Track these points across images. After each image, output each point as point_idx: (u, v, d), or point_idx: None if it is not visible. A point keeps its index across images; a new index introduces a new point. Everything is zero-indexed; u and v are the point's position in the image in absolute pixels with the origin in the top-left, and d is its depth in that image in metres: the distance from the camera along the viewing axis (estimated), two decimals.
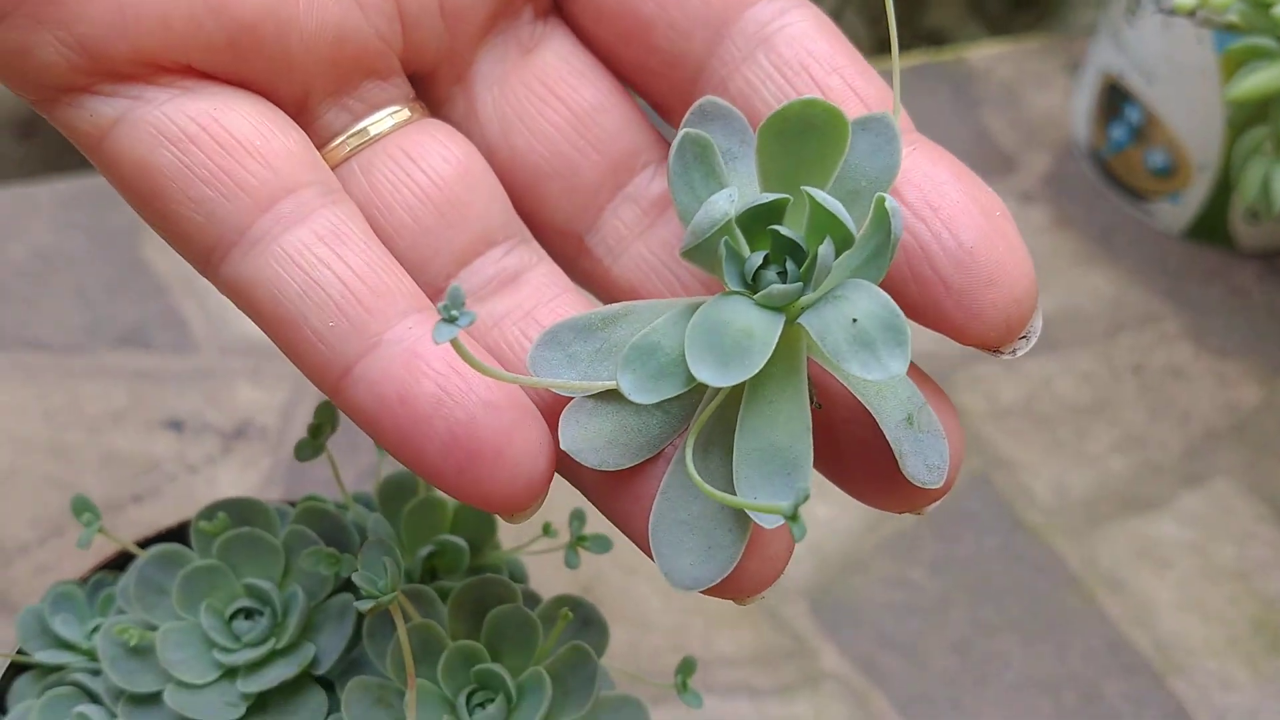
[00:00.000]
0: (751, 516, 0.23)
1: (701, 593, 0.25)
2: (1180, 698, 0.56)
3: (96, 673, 0.34)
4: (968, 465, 0.62)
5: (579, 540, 0.35)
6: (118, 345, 0.62)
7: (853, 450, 0.25)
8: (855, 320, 0.23)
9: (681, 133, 0.25)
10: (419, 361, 0.24)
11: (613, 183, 0.28)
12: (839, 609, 0.57)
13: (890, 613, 0.57)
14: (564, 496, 0.59)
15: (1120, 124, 0.72)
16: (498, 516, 0.32)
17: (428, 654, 0.32)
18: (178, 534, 0.37)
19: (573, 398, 0.25)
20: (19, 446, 0.58)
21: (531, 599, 0.35)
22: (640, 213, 0.28)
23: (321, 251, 0.24)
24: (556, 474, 0.26)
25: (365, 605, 0.29)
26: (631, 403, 0.24)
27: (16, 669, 0.35)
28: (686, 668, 0.34)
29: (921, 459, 0.24)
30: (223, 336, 0.63)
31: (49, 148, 0.81)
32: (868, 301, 0.23)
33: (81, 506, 0.33)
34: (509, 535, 0.39)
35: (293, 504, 0.37)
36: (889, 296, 0.23)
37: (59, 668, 0.34)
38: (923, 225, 0.25)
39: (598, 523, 0.42)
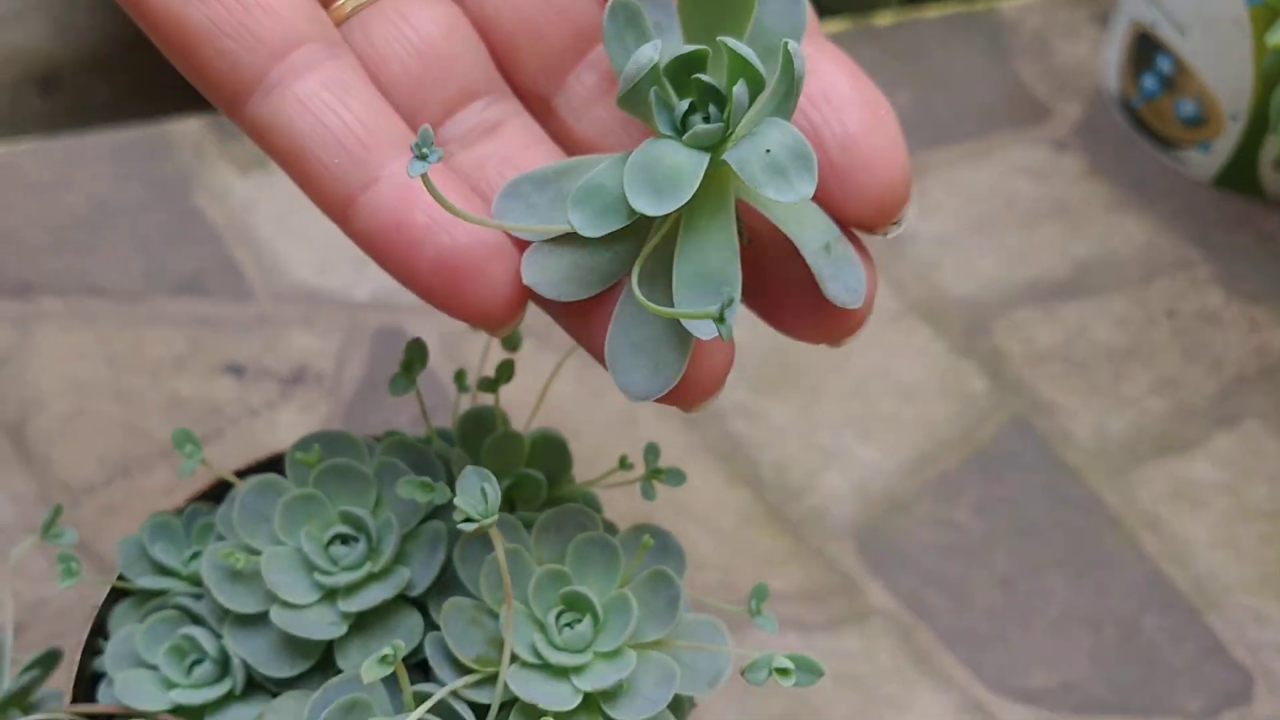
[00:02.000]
0: (689, 328, 0.26)
1: (655, 401, 0.29)
2: (1216, 632, 0.57)
3: (198, 597, 0.35)
4: (1010, 408, 0.63)
5: (654, 473, 0.37)
6: (176, 292, 0.64)
7: (778, 282, 0.30)
8: (769, 151, 0.26)
9: (610, 1, 0.29)
10: (411, 194, 0.28)
11: (576, 50, 0.31)
12: (884, 548, 0.58)
13: (935, 551, 0.59)
14: (641, 431, 0.60)
15: (1151, 74, 0.73)
16: (570, 455, 0.35)
17: (517, 578, 0.33)
18: (268, 466, 0.38)
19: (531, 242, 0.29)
20: (83, 390, 0.60)
21: (609, 528, 0.36)
22: (599, 78, 0.32)
23: (327, 97, 0.28)
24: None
25: (469, 527, 0.30)
26: (583, 244, 0.28)
27: (115, 596, 0.37)
28: (760, 593, 0.36)
29: (841, 282, 0.28)
30: (276, 284, 0.65)
31: (72, 101, 0.82)
32: (779, 135, 0.26)
33: (183, 438, 0.34)
34: (582, 470, 0.40)
35: (376, 439, 0.38)
36: (798, 131, 0.27)
37: (159, 593, 0.36)
38: (817, 112, 0.29)
39: (670, 458, 0.43)
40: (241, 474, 0.37)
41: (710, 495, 0.59)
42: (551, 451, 0.38)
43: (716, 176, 0.28)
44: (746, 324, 0.65)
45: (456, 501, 0.31)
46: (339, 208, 0.29)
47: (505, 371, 0.37)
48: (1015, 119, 0.75)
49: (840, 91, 0.29)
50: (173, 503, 0.56)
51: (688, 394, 0.29)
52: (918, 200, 0.70)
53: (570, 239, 0.28)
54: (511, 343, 0.40)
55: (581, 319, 0.29)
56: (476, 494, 0.31)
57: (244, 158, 0.69)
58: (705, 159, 0.27)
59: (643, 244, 0.28)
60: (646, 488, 0.36)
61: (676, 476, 0.36)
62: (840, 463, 0.60)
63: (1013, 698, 0.55)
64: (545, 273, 0.28)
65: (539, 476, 0.37)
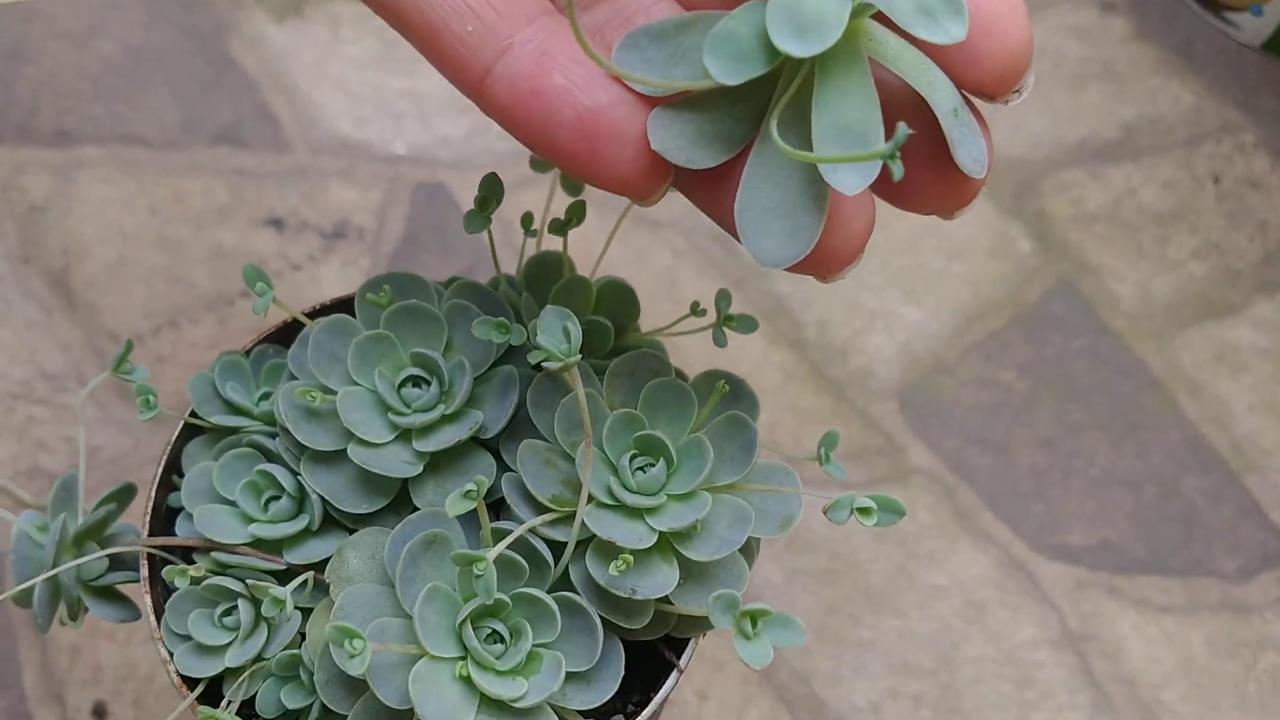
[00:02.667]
0: (833, 183, 0.25)
1: (787, 270, 0.27)
2: (1255, 494, 0.58)
3: (272, 435, 0.35)
4: (1056, 270, 0.63)
5: (726, 320, 0.36)
6: (214, 142, 0.63)
7: (906, 145, 0.27)
8: None
9: None
10: (547, 58, 0.27)
11: None
12: (927, 409, 0.59)
13: (978, 412, 0.59)
14: (683, 290, 0.60)
15: None
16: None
17: (590, 422, 0.33)
18: (336, 309, 0.38)
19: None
20: (127, 239, 0.59)
21: (679, 376, 0.36)
22: None
23: None
24: None
25: (553, 366, 0.30)
26: (707, 107, 0.26)
27: (187, 435, 0.37)
28: (829, 441, 0.36)
29: (968, 149, 0.26)
30: (313, 135, 0.64)
31: None
32: None
33: (254, 276, 0.34)
34: (648, 318, 0.40)
35: (442, 283, 0.38)
36: None
37: (231, 431, 0.36)
38: None
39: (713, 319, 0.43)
40: (311, 316, 0.37)
41: (753, 354, 0.59)
42: (619, 299, 0.38)
43: (850, 31, 0.25)
44: None
45: (539, 340, 0.30)
46: (474, 80, 0.28)
47: (577, 213, 0.37)
48: None
49: None
50: (218, 353, 0.56)
51: (827, 261, 0.27)
52: None
53: (694, 102, 0.27)
54: (574, 189, 0.39)
55: (707, 187, 0.28)
56: (558, 333, 0.31)
57: (279, 5, 0.67)
58: (849, 1, 0.25)
59: (766, 107, 0.26)
60: (718, 334, 0.36)
61: (748, 324, 0.36)
62: (885, 322, 0.60)
63: (1051, 555, 0.56)
64: (673, 137, 0.26)
65: (606, 324, 0.37)
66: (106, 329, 0.57)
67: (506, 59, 0.27)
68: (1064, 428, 0.59)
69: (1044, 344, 0.61)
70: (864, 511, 0.30)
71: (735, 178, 0.27)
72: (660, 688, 0.35)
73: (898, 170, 0.23)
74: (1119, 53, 0.71)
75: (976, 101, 0.28)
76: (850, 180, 0.25)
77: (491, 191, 0.34)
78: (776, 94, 0.26)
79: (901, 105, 0.28)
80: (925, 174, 0.28)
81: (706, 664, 0.52)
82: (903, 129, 0.23)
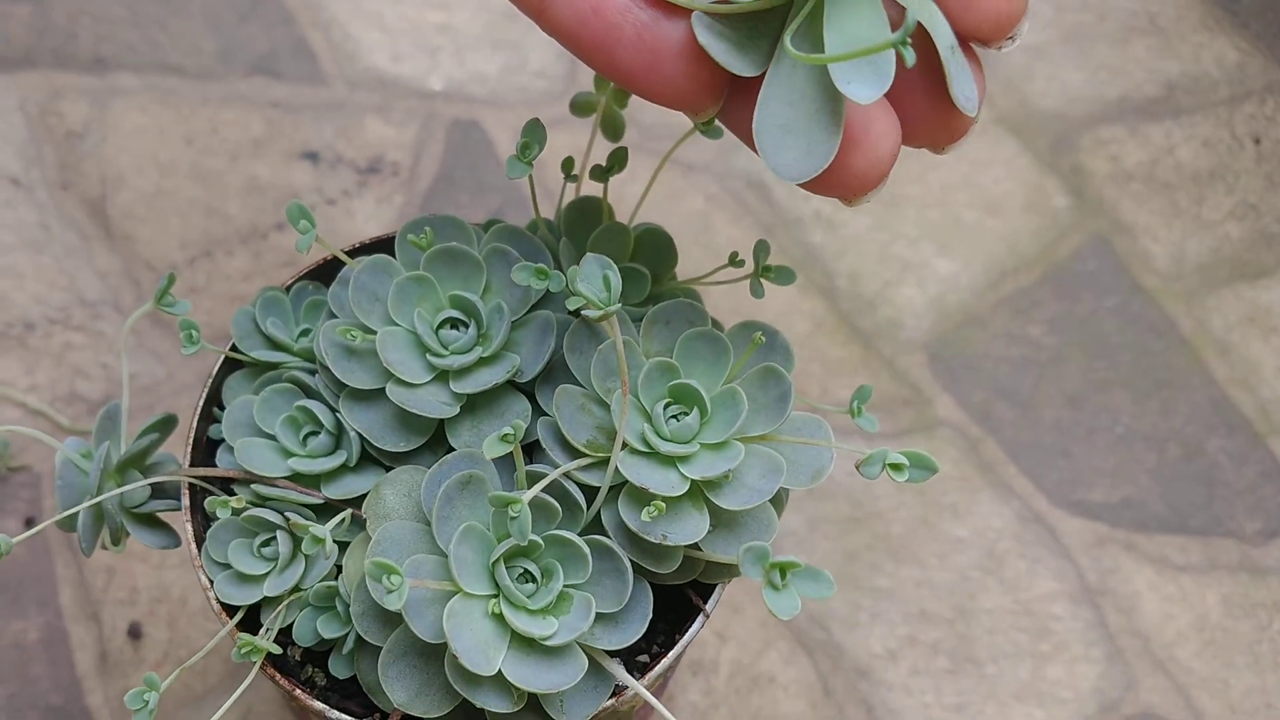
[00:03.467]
0: (846, 92, 0.25)
1: (809, 189, 0.28)
2: (1279, 457, 0.58)
3: (311, 372, 0.36)
4: (1091, 227, 0.63)
5: (764, 271, 0.37)
6: (250, 73, 0.63)
7: (898, 81, 0.27)
8: None
9: None
10: None
11: None
12: (956, 361, 0.59)
13: (1007, 366, 0.59)
14: (716, 235, 0.60)
15: None
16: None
17: (626, 369, 0.34)
18: (375, 248, 0.39)
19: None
20: (163, 169, 0.59)
21: (716, 325, 0.36)
22: None
23: None
24: None
25: (593, 314, 0.30)
26: (736, 27, 0.27)
27: (229, 367, 0.38)
28: (863, 394, 0.36)
29: (962, 86, 0.27)
30: (349, 70, 0.63)
31: None
32: None
33: (298, 213, 0.34)
34: (684, 267, 0.40)
35: (480, 225, 0.38)
36: None
37: (271, 366, 0.37)
38: None
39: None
40: (350, 254, 0.37)
41: (782, 302, 0.59)
42: (657, 247, 0.38)
43: None
44: None
45: (579, 288, 0.31)
46: (535, 1, 0.28)
47: (619, 159, 0.37)
48: None
49: None
50: (252, 286, 0.57)
51: (850, 182, 0.28)
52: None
53: (727, 20, 0.27)
54: (614, 133, 0.39)
55: (738, 104, 0.28)
56: (599, 282, 0.31)
57: None
58: None
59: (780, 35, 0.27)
60: (755, 285, 0.36)
61: (786, 275, 0.36)
62: (917, 274, 0.60)
63: (1072, 511, 0.56)
64: (714, 40, 0.27)
65: (644, 271, 0.37)
66: (143, 258, 0.57)
67: None
68: (1091, 384, 0.59)
69: (1075, 301, 0.60)
70: (896, 468, 0.31)
71: (753, 97, 0.28)
72: (686, 630, 0.35)
73: (909, 56, 0.24)
74: (1165, 7, 0.70)
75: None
76: (864, 90, 0.26)
77: (534, 137, 0.34)
78: (791, 14, 0.27)
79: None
80: (921, 106, 0.29)
81: (726, 607, 0.53)
82: (911, 17, 0.23)
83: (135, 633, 0.49)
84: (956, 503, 0.56)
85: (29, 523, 0.51)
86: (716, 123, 0.30)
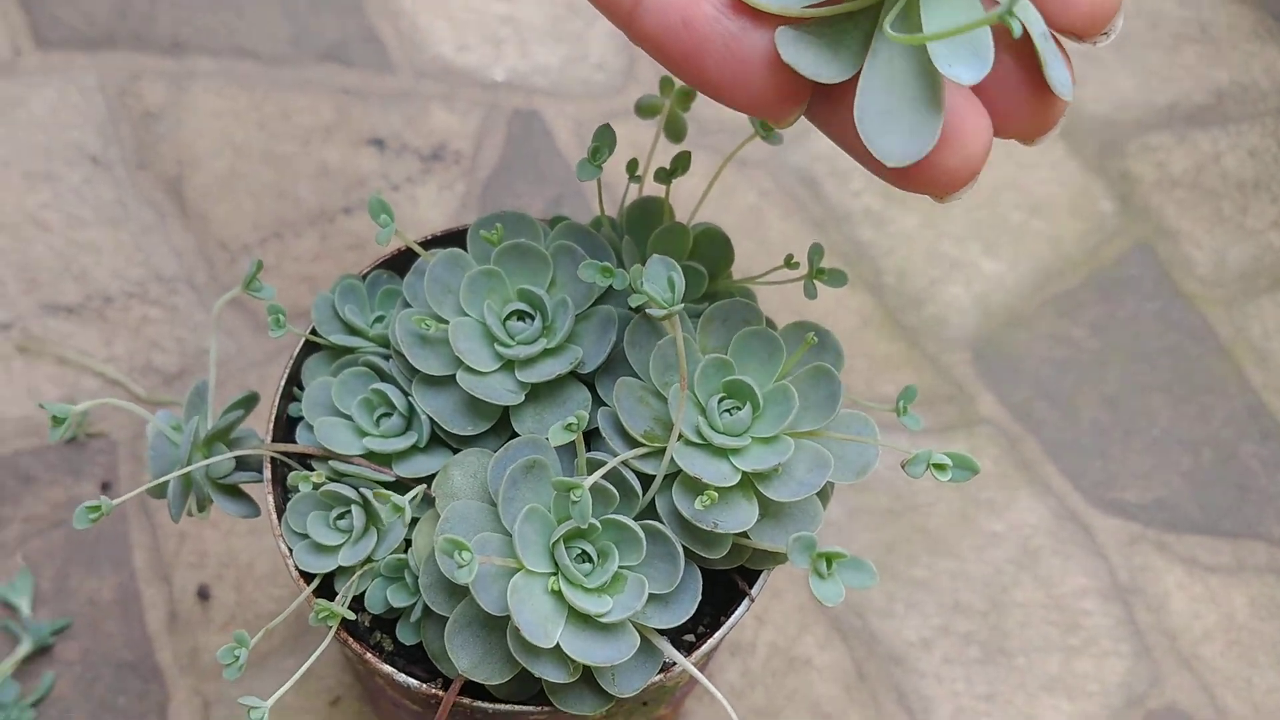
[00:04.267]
0: (949, 74, 0.27)
1: (904, 185, 0.29)
2: None
3: (385, 356, 0.38)
4: (1135, 232, 0.64)
5: (818, 273, 0.38)
6: (322, 60, 0.65)
7: (997, 67, 0.28)
8: None
9: None
10: None
11: None
12: (999, 360, 0.60)
13: (1049, 366, 0.60)
14: (769, 230, 0.61)
15: None
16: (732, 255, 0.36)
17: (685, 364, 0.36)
18: (445, 240, 0.41)
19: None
20: (238, 152, 0.62)
21: (769, 324, 0.38)
22: None
23: None
24: None
25: (657, 314, 0.32)
26: (823, 31, 0.28)
27: (308, 349, 0.40)
28: (908, 394, 0.38)
29: (1056, 70, 0.28)
30: (417, 60, 0.66)
31: None
32: None
33: (378, 208, 0.36)
34: (737, 261, 0.42)
35: (547, 221, 0.40)
36: None
37: (347, 350, 0.39)
38: None
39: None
40: (423, 245, 0.39)
41: (830, 297, 0.61)
42: (714, 246, 0.40)
43: None
44: None
45: (644, 287, 0.33)
46: (625, 11, 0.29)
47: (682, 163, 0.39)
48: None
49: None
50: (320, 268, 0.59)
51: (944, 179, 0.28)
52: None
53: (813, 26, 0.28)
54: (677, 135, 0.41)
55: (828, 105, 0.29)
56: (663, 283, 0.33)
57: None
58: None
59: (879, 21, 0.28)
60: (809, 286, 0.38)
61: (838, 277, 0.38)
62: (964, 273, 0.62)
63: (1107, 510, 0.58)
64: (801, 52, 0.28)
65: (701, 270, 0.39)
66: (217, 237, 0.60)
67: None
68: (1130, 387, 0.60)
69: (1117, 304, 0.62)
70: (940, 468, 0.32)
71: (851, 97, 0.28)
72: (731, 613, 0.37)
73: (1016, 28, 0.25)
74: (1217, 15, 0.71)
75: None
76: (965, 71, 0.26)
77: (604, 142, 0.36)
78: (885, 7, 0.28)
79: (996, 29, 0.29)
80: (1016, 94, 0.29)
81: (765, 592, 0.55)
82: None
83: (204, 594, 0.52)
84: (994, 498, 0.57)
85: (105, 486, 0.54)
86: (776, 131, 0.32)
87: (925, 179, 0.28)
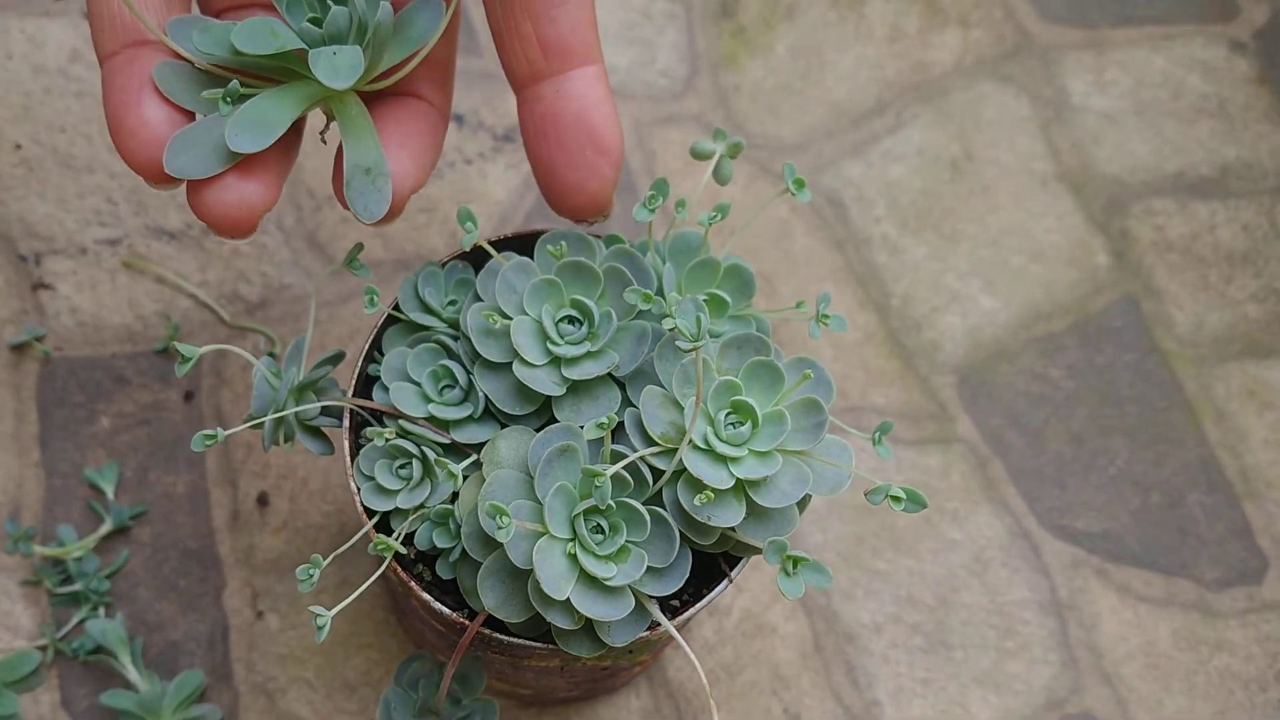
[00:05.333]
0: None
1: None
2: (1250, 518, 0.66)
3: (454, 338, 0.45)
4: (1125, 287, 0.70)
5: (823, 317, 0.45)
6: None
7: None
8: None
9: None
10: None
11: None
12: (981, 387, 0.67)
13: (1024, 399, 0.67)
14: (794, 243, 0.68)
15: None
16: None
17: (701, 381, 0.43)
18: (513, 242, 0.48)
19: None
20: None
21: (777, 354, 0.45)
22: None
23: None
24: None
25: (685, 345, 0.40)
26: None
27: (388, 322, 0.47)
28: (884, 428, 0.45)
29: (359, 197, 0.43)
30: None
31: None
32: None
33: (466, 215, 0.43)
34: (761, 262, 0.49)
35: (605, 240, 0.47)
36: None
37: (423, 327, 0.46)
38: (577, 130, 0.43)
39: (818, 273, 0.51)
40: (495, 245, 0.46)
41: (841, 312, 0.68)
42: (739, 280, 0.47)
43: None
44: (903, 162, 0.71)
45: (677, 323, 0.40)
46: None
47: (722, 210, 0.46)
48: (1203, 13, 0.78)
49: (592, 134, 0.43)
50: (394, 227, 0.66)
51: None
52: (1094, 73, 0.75)
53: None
54: (723, 179, 0.48)
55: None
56: (692, 319, 0.40)
57: None
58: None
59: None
60: (814, 329, 0.45)
61: (839, 323, 0.45)
62: (962, 305, 0.69)
63: (1057, 535, 0.65)
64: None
65: (725, 299, 0.46)
66: (306, 185, 0.67)
67: None
68: (1095, 428, 0.67)
69: (1096, 351, 0.69)
70: (895, 499, 0.40)
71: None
72: (713, 589, 0.45)
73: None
74: (1237, 93, 0.77)
75: None
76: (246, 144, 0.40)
77: (660, 191, 0.43)
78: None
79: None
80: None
81: (748, 565, 0.63)
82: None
83: (264, 500, 0.60)
84: (958, 509, 0.65)
85: (188, 396, 0.61)
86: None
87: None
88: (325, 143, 0.46)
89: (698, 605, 0.44)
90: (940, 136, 0.71)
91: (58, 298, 0.63)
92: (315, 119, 0.47)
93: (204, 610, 0.58)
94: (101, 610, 0.57)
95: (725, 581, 0.45)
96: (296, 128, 0.43)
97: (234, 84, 0.39)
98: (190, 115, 0.40)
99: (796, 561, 0.39)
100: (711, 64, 0.72)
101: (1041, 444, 0.66)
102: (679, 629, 0.44)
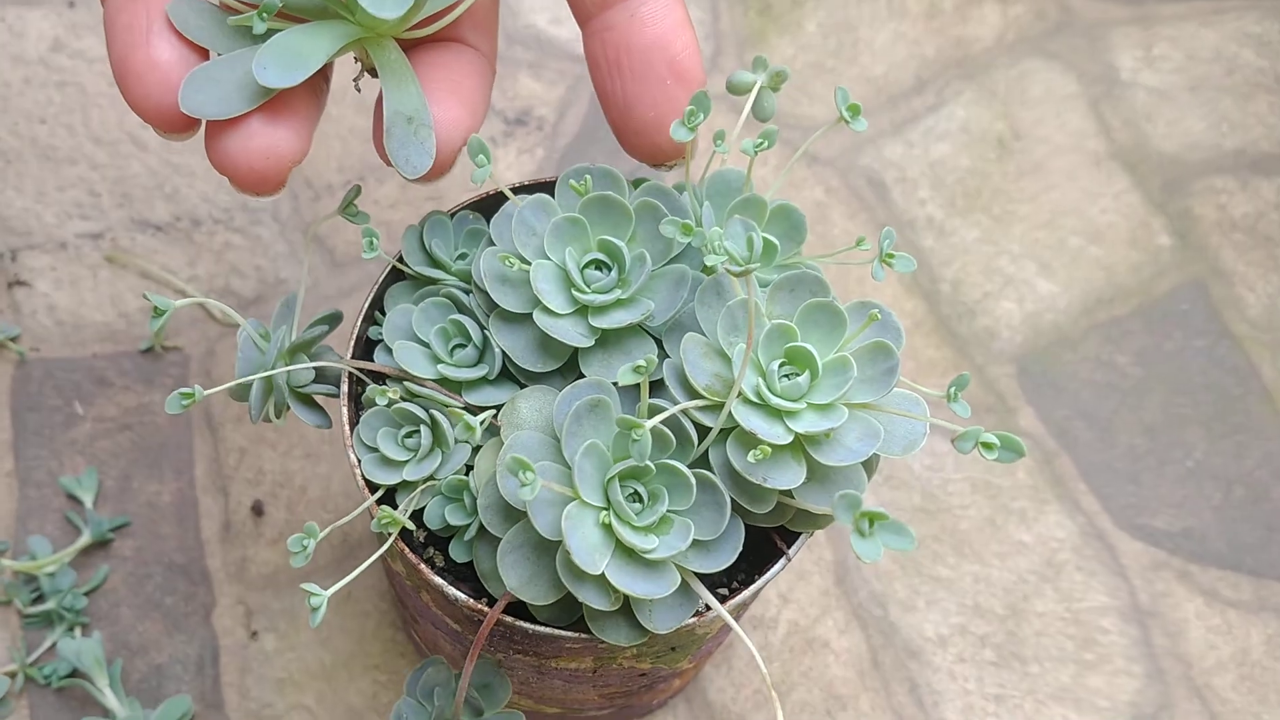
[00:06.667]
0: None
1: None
2: None
3: (466, 291, 0.40)
4: (1190, 269, 0.65)
5: (887, 256, 0.40)
6: None
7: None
8: None
9: None
10: None
11: None
12: (1043, 377, 0.62)
13: (1090, 389, 0.62)
14: (859, 220, 0.63)
15: None
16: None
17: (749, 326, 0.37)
18: (534, 190, 0.43)
19: None
20: (332, 97, 0.64)
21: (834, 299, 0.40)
22: None
23: None
24: None
25: (736, 269, 0.34)
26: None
27: (391, 278, 0.42)
28: (960, 382, 0.39)
29: (400, 149, 0.39)
30: (510, 25, 0.68)
31: None
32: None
33: (478, 147, 0.38)
34: (811, 245, 0.44)
35: (633, 183, 0.42)
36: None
37: (430, 281, 0.41)
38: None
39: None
40: (514, 192, 0.41)
41: (887, 298, 0.63)
42: (789, 222, 0.42)
43: None
44: (948, 140, 0.66)
45: (724, 244, 0.34)
46: None
47: (768, 136, 0.40)
48: None
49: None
50: (398, 214, 0.61)
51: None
52: (1143, 49, 0.70)
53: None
54: (764, 114, 0.43)
55: None
56: (742, 241, 0.35)
57: None
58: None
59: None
60: (878, 269, 0.40)
61: (906, 262, 0.40)
62: (1017, 290, 0.63)
63: (1134, 534, 0.59)
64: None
65: (774, 242, 0.41)
66: (303, 175, 0.62)
67: None
68: (1169, 418, 0.61)
69: (1165, 337, 0.63)
70: (987, 446, 0.34)
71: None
72: (766, 571, 0.39)
73: None
74: None
75: None
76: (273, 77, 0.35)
77: (701, 107, 0.38)
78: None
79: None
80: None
81: (791, 572, 0.57)
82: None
83: (258, 510, 0.54)
84: (1025, 509, 0.59)
85: None
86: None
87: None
88: (360, 90, 0.42)
89: (753, 586, 0.38)
90: (985, 114, 0.67)
91: (34, 295, 0.58)
92: (340, 82, 0.43)
93: (192, 630, 0.52)
94: (78, 631, 0.51)
95: (782, 560, 0.39)
96: (325, 75, 0.39)
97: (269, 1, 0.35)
98: (205, 57, 0.36)
99: (873, 519, 0.33)
100: (738, 42, 0.68)
101: (1112, 437, 0.61)
102: (724, 626, 0.38)
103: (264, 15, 0.35)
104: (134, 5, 0.35)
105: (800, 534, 0.40)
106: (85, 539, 0.53)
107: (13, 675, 0.50)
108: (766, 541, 0.40)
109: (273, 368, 0.38)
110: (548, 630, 0.37)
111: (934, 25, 0.69)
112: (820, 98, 0.67)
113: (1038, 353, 0.62)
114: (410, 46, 0.39)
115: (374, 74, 0.40)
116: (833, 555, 0.57)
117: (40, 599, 0.52)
